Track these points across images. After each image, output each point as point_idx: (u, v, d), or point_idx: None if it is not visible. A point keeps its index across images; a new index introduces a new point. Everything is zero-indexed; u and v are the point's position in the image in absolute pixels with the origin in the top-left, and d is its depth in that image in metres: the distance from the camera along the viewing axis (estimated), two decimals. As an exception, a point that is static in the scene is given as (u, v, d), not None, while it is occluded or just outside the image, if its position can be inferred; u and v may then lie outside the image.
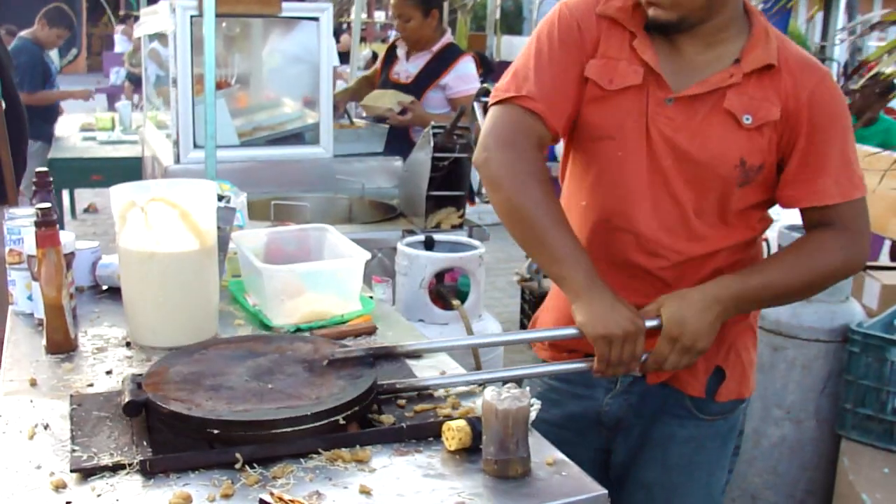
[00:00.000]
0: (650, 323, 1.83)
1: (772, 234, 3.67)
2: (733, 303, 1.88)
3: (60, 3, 8.09)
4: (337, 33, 11.44)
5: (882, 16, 3.66)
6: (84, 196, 9.42)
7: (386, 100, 4.87)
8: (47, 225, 1.98)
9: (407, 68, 4.99)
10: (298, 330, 2.14)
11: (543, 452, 1.56)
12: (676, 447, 2.07)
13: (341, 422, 1.59)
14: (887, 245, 6.38)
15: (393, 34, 5.16)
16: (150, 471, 1.47)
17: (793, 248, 1.97)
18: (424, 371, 1.93)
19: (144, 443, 1.55)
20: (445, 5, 11.05)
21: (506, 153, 1.88)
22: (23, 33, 7.63)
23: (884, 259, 6.41)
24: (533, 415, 1.58)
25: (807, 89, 1.89)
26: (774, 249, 3.24)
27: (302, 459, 1.52)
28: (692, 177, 1.91)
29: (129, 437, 1.57)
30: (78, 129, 8.19)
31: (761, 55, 1.90)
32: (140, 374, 1.74)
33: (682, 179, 1.91)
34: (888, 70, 3.58)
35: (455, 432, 1.54)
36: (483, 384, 1.81)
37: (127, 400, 1.61)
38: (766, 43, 1.91)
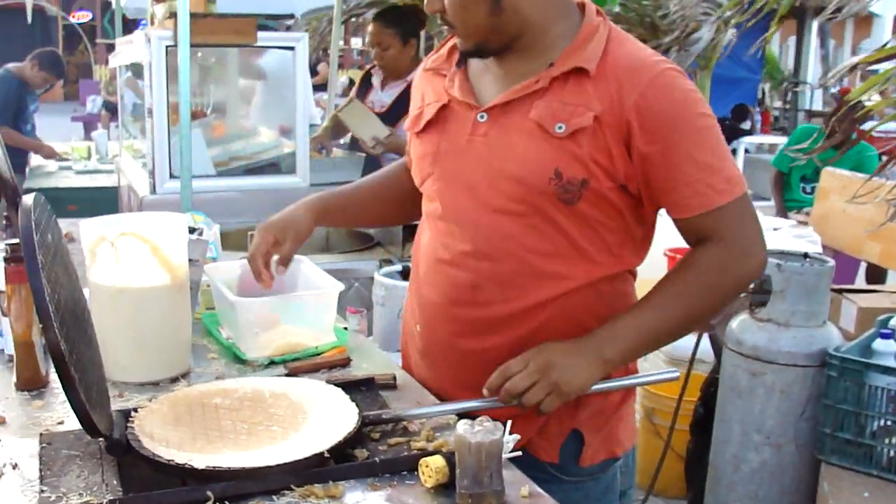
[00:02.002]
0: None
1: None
2: (608, 343, 1.83)
3: (55, 49, 8.09)
4: (314, 64, 11.46)
5: (860, 60, 3.70)
6: (60, 226, 9.34)
7: (365, 125, 4.86)
8: (17, 261, 1.95)
9: (381, 98, 4.98)
10: (272, 363, 2.12)
11: (518, 485, 1.54)
12: None
13: (326, 455, 1.57)
14: (863, 267, 6.40)
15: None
16: (119, 511, 1.44)
17: (669, 280, 1.88)
18: (400, 402, 1.90)
19: (115, 482, 1.53)
20: (422, 33, 11.08)
21: None
22: (10, 66, 7.60)
23: (860, 282, 6.43)
24: (508, 447, 1.56)
25: (634, 93, 1.77)
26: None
27: (274, 496, 1.50)
28: (511, 197, 1.85)
29: (100, 476, 1.55)
30: (54, 158, 8.15)
31: (574, 59, 1.82)
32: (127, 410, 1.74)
33: (503, 202, 1.86)
34: (868, 103, 3.59)
35: (433, 472, 1.52)
36: (460, 415, 1.79)
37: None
38: (585, 46, 1.83)
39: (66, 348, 1.44)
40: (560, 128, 1.79)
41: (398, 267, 3.51)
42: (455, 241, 1.92)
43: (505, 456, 1.53)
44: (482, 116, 1.88)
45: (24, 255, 1.44)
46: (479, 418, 1.50)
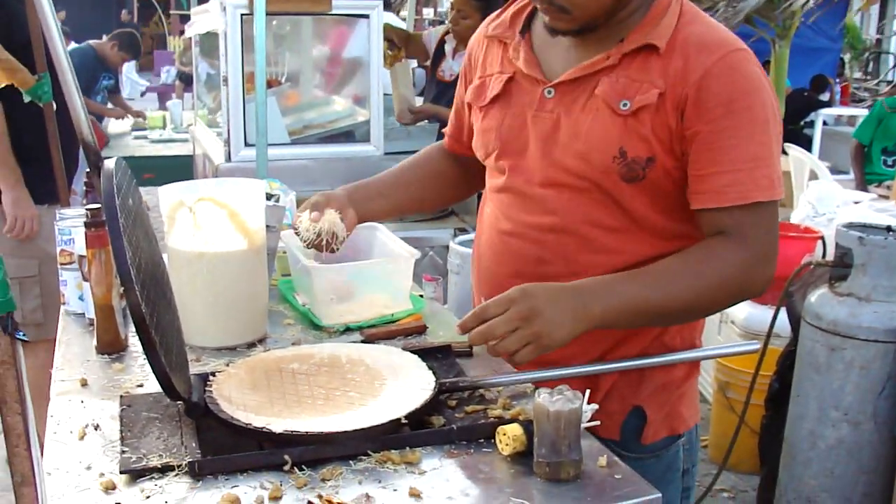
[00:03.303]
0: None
1: (828, 232, 3.61)
2: (600, 299, 1.71)
3: (134, 32, 8.32)
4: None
5: None
6: (137, 194, 9.52)
7: (403, 90, 4.90)
8: (97, 226, 1.98)
9: (451, 66, 4.99)
10: (348, 329, 2.14)
11: (596, 454, 1.54)
12: None
13: (403, 421, 1.57)
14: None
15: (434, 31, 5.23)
16: (198, 472, 1.46)
17: (684, 261, 1.77)
18: (476, 370, 1.90)
19: (193, 444, 1.55)
20: None
21: None
22: (92, 42, 7.81)
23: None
24: (586, 416, 1.55)
25: (699, 70, 1.72)
26: (831, 251, 3.19)
27: (351, 461, 1.50)
28: (575, 173, 1.83)
29: (178, 439, 1.57)
30: (130, 127, 8.28)
31: (645, 35, 1.77)
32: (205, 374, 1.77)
33: (567, 178, 1.84)
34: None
35: (510, 440, 1.51)
36: (536, 384, 1.78)
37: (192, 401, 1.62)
38: (657, 22, 1.78)
39: (146, 311, 1.46)
40: (625, 105, 1.76)
41: (473, 236, 3.50)
42: (520, 214, 1.93)
43: (583, 425, 1.52)
44: (549, 92, 1.87)
45: (106, 217, 1.46)
46: (559, 387, 1.49)
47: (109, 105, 8.18)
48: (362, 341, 2.05)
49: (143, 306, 1.44)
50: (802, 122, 10.54)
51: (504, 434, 1.53)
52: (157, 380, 1.52)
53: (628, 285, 1.74)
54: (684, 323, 1.92)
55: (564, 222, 1.86)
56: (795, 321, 3.20)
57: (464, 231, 3.69)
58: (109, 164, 1.56)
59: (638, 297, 1.73)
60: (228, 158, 4.58)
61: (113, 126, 8.20)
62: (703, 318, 1.94)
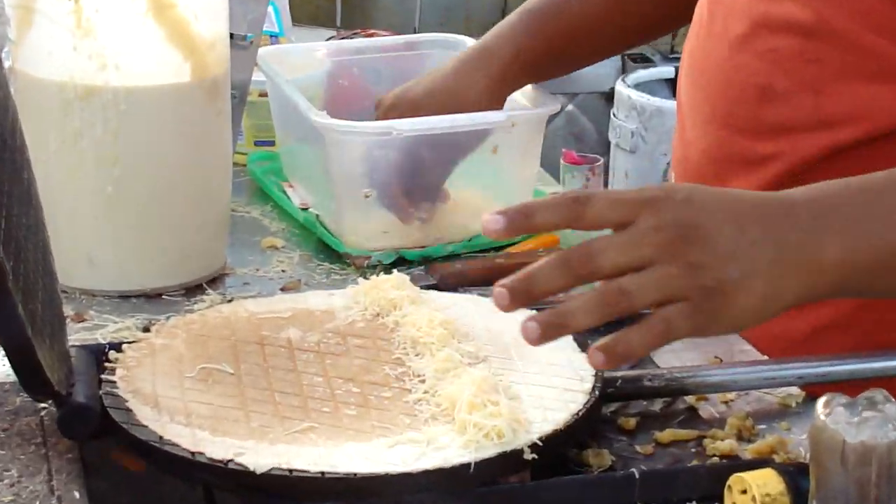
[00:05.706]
0: None
1: None
2: (833, 232, 1.54)
3: None
4: None
5: None
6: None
7: None
8: None
9: None
10: (402, 260, 2.15)
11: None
12: None
13: (527, 456, 1.55)
14: None
15: None
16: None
17: None
18: (678, 354, 1.91)
19: (75, 493, 1.55)
20: None
21: None
22: None
23: None
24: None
25: None
26: None
27: (424, 539, 1.52)
28: None
29: (43, 481, 1.57)
30: None
31: None
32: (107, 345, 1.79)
33: None
34: None
35: (755, 502, 1.50)
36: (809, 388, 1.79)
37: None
38: None
39: None
40: None
41: (662, 70, 3.49)
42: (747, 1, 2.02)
43: (917, 477, 1.50)
44: None
45: None
46: (865, 394, 1.46)
47: None
48: (430, 286, 2.05)
49: None
50: None
51: (743, 491, 1.52)
52: (8, 355, 1.53)
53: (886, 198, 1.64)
54: None
55: (824, 17, 1.91)
56: None
57: (642, 61, 3.65)
58: None
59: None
60: None
61: None
62: None
